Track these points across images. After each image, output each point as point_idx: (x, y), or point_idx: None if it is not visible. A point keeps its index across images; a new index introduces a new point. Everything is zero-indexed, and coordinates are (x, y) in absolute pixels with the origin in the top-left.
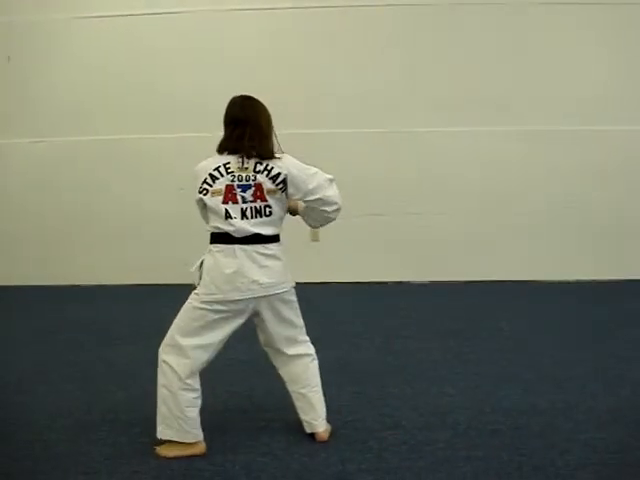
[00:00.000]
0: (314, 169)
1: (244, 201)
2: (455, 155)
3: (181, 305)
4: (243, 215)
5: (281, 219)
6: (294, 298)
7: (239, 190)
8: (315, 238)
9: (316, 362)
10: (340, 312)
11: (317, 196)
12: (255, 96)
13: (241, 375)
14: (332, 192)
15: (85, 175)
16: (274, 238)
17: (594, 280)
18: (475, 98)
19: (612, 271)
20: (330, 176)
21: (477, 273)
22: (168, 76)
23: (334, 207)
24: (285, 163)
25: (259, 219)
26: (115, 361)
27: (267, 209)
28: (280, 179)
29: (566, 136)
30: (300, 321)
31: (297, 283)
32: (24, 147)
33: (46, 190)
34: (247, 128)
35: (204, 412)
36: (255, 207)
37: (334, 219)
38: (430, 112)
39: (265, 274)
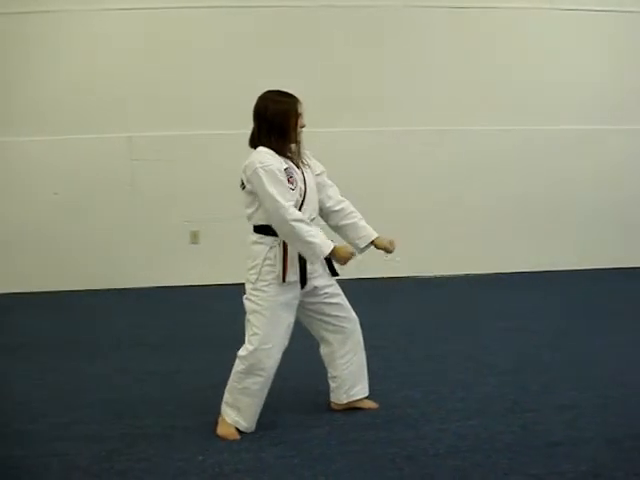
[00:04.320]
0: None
1: None
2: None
3: (55, 312)
4: None
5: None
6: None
7: None
8: (195, 240)
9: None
10: (226, 314)
11: None
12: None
13: (117, 382)
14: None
15: None
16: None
17: (467, 274)
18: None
19: (486, 265)
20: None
21: (367, 270)
22: (44, 73)
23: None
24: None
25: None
26: None
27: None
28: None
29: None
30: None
31: (178, 286)
32: None
33: None
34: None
35: (78, 422)
36: None
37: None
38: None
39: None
